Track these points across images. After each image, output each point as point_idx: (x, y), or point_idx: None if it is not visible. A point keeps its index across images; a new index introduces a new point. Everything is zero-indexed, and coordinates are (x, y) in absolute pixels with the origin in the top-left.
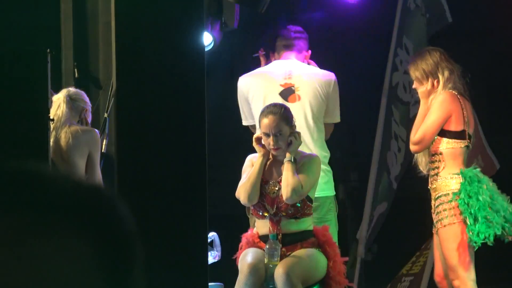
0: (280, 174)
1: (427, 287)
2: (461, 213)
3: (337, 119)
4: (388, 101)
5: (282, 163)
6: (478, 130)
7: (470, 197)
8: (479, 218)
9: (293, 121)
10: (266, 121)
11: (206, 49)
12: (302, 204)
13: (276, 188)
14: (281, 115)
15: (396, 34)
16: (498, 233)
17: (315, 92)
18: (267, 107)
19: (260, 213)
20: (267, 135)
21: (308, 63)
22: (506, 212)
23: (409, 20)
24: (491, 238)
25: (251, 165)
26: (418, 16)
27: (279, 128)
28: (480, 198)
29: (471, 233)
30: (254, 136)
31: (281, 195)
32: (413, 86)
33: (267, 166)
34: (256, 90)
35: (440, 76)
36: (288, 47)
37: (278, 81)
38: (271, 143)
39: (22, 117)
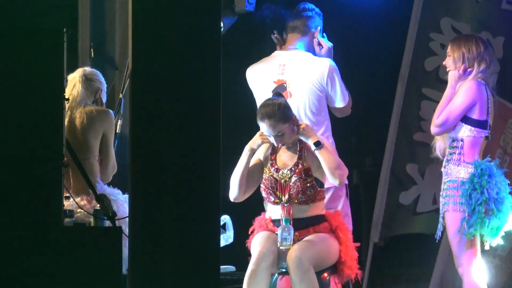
0: (292, 161)
1: None
2: (461, 203)
3: (340, 103)
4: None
5: (294, 150)
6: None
7: (475, 189)
8: (477, 213)
9: (292, 114)
10: (263, 125)
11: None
12: (314, 191)
13: (288, 176)
14: (276, 118)
15: (429, 19)
16: (486, 234)
17: (308, 86)
18: (263, 106)
19: (272, 200)
20: (269, 136)
21: (319, 42)
22: (505, 214)
23: (453, 5)
24: (478, 234)
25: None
26: None
27: (278, 130)
28: (485, 192)
29: (465, 226)
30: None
31: (293, 183)
32: (444, 62)
33: (277, 154)
34: (253, 86)
35: (476, 66)
36: (293, 29)
37: (272, 77)
38: (275, 143)
39: (38, 96)
